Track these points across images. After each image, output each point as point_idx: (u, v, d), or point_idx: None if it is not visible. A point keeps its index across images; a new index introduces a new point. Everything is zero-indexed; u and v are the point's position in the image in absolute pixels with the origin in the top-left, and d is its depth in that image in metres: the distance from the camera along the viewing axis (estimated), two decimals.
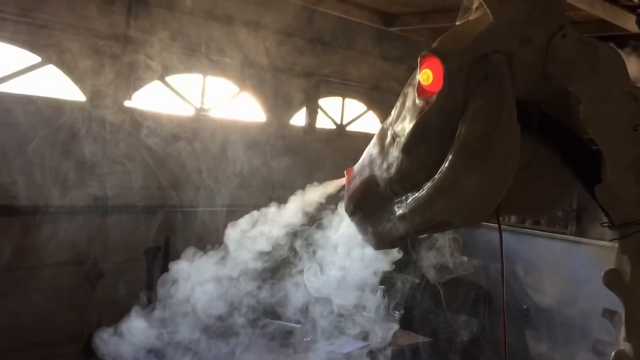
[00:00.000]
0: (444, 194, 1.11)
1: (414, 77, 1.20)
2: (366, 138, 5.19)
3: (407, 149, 1.16)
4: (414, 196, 1.20)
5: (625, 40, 5.11)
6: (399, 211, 1.25)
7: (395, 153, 1.21)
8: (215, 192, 4.69)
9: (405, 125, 1.17)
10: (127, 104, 4.23)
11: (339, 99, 5.77)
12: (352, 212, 1.39)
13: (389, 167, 1.23)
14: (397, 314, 3.78)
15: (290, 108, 5.36)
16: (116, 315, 4.03)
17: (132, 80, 4.22)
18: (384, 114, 6.04)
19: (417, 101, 1.14)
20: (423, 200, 1.16)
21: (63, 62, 3.94)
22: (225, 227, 4.64)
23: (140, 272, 4.15)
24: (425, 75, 1.11)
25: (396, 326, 3.79)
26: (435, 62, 1.10)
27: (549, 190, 1.16)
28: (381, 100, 6.01)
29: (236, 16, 4.68)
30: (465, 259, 4.51)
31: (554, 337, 4.11)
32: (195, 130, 4.65)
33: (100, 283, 4.06)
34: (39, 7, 3.75)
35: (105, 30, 4.06)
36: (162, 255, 4.19)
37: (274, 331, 3.66)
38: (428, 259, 4.21)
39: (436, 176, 1.12)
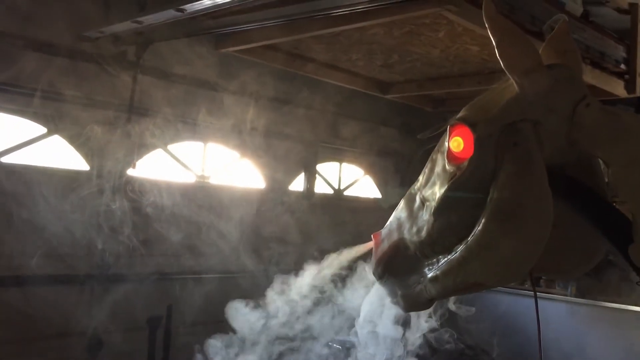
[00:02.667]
0: (478, 256, 1.15)
1: (442, 144, 1.25)
2: (364, 202, 5.28)
3: (438, 212, 1.20)
4: (446, 258, 1.23)
5: (614, 104, 5.29)
6: (430, 273, 1.28)
7: (425, 217, 1.25)
8: (218, 259, 4.68)
9: (436, 190, 1.22)
10: (130, 172, 4.28)
11: (337, 164, 5.86)
12: (381, 275, 1.42)
13: (419, 230, 1.27)
14: None
15: (289, 173, 5.44)
16: None
17: (135, 149, 4.28)
18: (380, 178, 6.13)
19: (448, 167, 1.19)
20: (456, 262, 1.19)
21: (68, 132, 4.01)
22: (227, 294, 4.63)
23: (142, 341, 4.08)
24: (456, 143, 1.16)
25: None
26: (465, 130, 1.16)
27: (577, 251, 1.20)
28: (378, 164, 6.12)
29: (236, 88, 4.81)
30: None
31: None
32: (196, 197, 4.69)
33: (101, 354, 3.98)
34: (46, 79, 3.85)
35: (111, 100, 4.15)
36: (164, 324, 4.13)
37: None
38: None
39: (469, 239, 1.16)
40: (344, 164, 5.91)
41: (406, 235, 1.32)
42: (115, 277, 4.07)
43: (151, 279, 4.20)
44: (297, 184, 5.51)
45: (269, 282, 4.99)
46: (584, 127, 1.13)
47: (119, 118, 4.18)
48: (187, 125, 4.58)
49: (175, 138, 4.57)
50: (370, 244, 1.48)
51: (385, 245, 1.39)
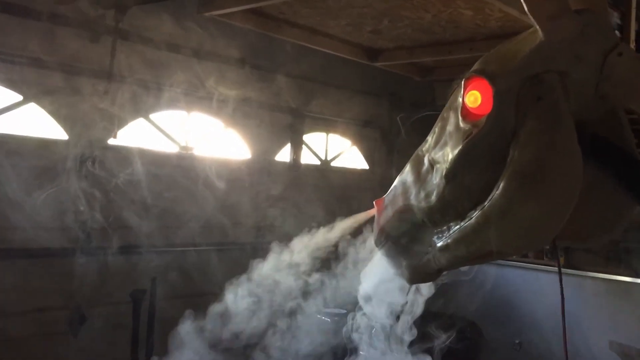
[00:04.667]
0: (496, 223, 1.05)
1: (455, 100, 1.14)
2: (351, 173, 5.18)
3: (451, 175, 1.09)
4: (458, 225, 1.13)
5: None
6: (440, 242, 1.18)
7: (435, 180, 1.15)
8: (203, 231, 4.58)
9: (447, 151, 1.11)
10: (111, 142, 4.14)
11: (323, 134, 5.74)
12: (384, 245, 1.32)
13: (427, 195, 1.17)
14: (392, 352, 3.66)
15: (275, 144, 5.31)
16: None
17: (116, 118, 4.13)
18: (367, 150, 6.03)
19: (462, 125, 1.08)
20: (471, 230, 1.09)
21: (45, 99, 3.85)
22: (213, 266, 4.54)
23: (126, 315, 3.98)
24: (473, 98, 1.05)
25: None
26: (483, 83, 1.05)
27: (600, 217, 1.10)
28: (365, 135, 6.02)
29: (222, 53, 4.66)
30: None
31: None
32: (179, 168, 4.56)
33: (83, 328, 3.88)
34: (22, 45, 3.67)
35: (89, 67, 3.98)
36: (148, 298, 4.03)
37: None
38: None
39: (486, 203, 1.06)
40: (331, 135, 5.79)
41: (413, 201, 1.22)
42: (97, 250, 3.95)
43: (134, 251, 4.09)
44: (283, 155, 5.39)
45: (256, 254, 4.91)
46: (615, 79, 1.03)
47: (99, 85, 4.02)
48: (170, 93, 4.43)
49: (157, 107, 4.42)
50: (372, 211, 1.38)
51: (389, 212, 1.29)
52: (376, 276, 1.56)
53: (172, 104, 4.51)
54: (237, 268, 4.84)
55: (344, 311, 3.96)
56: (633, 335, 2.98)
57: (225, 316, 4.69)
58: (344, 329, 3.89)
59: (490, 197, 1.05)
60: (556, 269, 5.17)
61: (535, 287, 5.20)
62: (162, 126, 4.56)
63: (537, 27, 1.00)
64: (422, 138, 5.00)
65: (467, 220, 1.11)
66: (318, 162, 5.70)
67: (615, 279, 3.75)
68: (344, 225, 2.37)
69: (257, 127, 5.09)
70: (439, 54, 4.57)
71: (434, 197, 1.15)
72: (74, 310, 3.84)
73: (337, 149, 5.89)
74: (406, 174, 1.27)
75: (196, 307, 4.50)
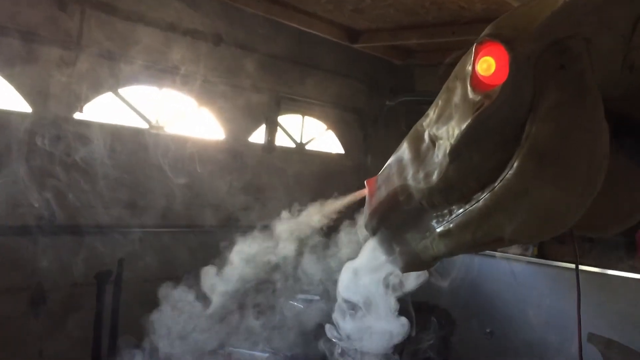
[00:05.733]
0: (508, 206, 0.93)
1: (463, 68, 1.02)
2: (326, 157, 5.06)
3: (456, 152, 0.97)
4: (462, 209, 1.01)
5: None
6: (439, 227, 1.07)
7: (437, 158, 1.03)
8: (171, 212, 4.43)
9: (453, 125, 0.99)
10: (77, 116, 3.94)
11: (299, 117, 5.60)
12: (376, 229, 1.20)
13: (427, 175, 1.05)
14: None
15: (249, 125, 5.16)
16: (61, 345, 3.70)
17: (83, 91, 3.93)
18: (344, 134, 5.91)
19: (472, 95, 0.96)
20: (478, 213, 0.98)
21: (7, 70, 3.63)
22: (183, 248, 4.40)
23: (90, 297, 3.82)
24: (486, 65, 0.93)
25: (365, 354, 3.59)
26: (499, 48, 0.92)
27: (618, 203, 0.99)
28: (341, 119, 5.89)
29: (196, 29, 4.48)
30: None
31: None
32: (149, 146, 4.38)
33: (44, 310, 3.71)
34: None
35: (56, 37, 3.77)
36: (114, 280, 3.88)
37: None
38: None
39: (497, 184, 0.94)
40: (307, 118, 5.65)
41: (410, 181, 1.09)
42: (62, 229, 3.77)
43: (100, 232, 3.92)
44: (258, 137, 5.24)
45: (228, 237, 4.78)
46: None
47: (65, 56, 3.81)
48: (141, 68, 4.24)
49: (127, 81, 4.22)
50: (362, 192, 1.26)
51: (382, 194, 1.16)
52: (362, 265, 1.44)
53: (143, 79, 4.32)
54: (208, 251, 4.71)
55: (317, 297, 3.86)
56: (612, 328, 2.94)
57: (193, 301, 4.56)
58: (318, 315, 3.80)
59: (501, 178, 0.93)
60: (529, 259, 5.18)
61: (506, 276, 5.17)
62: (132, 102, 4.37)
63: None
64: (401, 122, 4.91)
65: (473, 203, 0.99)
66: (293, 145, 5.56)
67: (593, 271, 3.71)
68: (330, 207, 2.23)
69: (231, 106, 4.92)
70: (421, 37, 4.47)
71: (435, 177, 1.03)
72: (35, 291, 3.66)
73: (312, 132, 5.75)
74: (402, 151, 1.14)
75: (163, 291, 4.36)
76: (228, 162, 4.92)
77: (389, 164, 1.18)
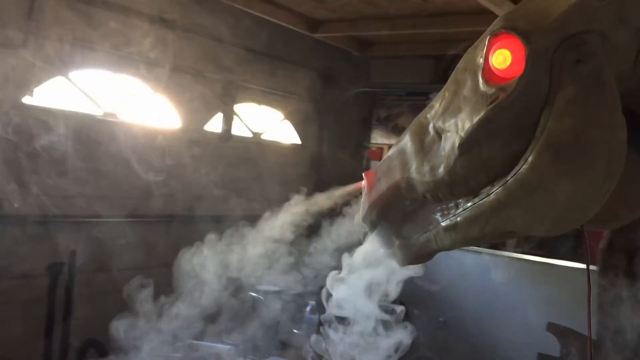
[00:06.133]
0: (522, 200, 0.93)
1: (473, 60, 1.01)
2: (283, 148, 5.03)
3: (466, 145, 0.96)
4: (471, 202, 1.00)
5: None
6: (445, 220, 1.06)
7: (444, 151, 1.01)
8: (126, 202, 4.31)
9: (463, 118, 0.98)
10: (26, 100, 3.78)
11: (256, 106, 5.53)
12: (375, 222, 1.18)
13: (433, 168, 1.04)
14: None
15: (205, 113, 5.06)
16: (10, 342, 3.55)
17: (33, 75, 3.77)
18: (300, 124, 5.88)
19: (484, 88, 0.95)
20: (489, 207, 0.97)
21: None
22: (138, 239, 4.29)
23: (41, 289, 3.68)
24: (502, 57, 0.92)
25: (329, 344, 3.59)
26: (515, 41, 0.92)
27: (624, 198, 1.01)
28: (298, 109, 5.86)
29: (153, 13, 4.35)
30: None
31: (477, 348, 4.10)
32: (102, 134, 4.24)
33: None
34: None
35: (5, 14, 3.59)
36: (66, 272, 3.74)
37: (201, 355, 3.35)
38: None
39: (509, 178, 0.94)
40: (264, 107, 5.59)
41: (413, 174, 1.08)
42: (9, 220, 3.61)
43: (52, 221, 3.77)
44: (214, 125, 5.15)
45: (184, 228, 4.70)
46: None
47: (14, 37, 3.63)
48: (95, 52, 4.08)
49: (81, 65, 4.07)
50: (359, 185, 1.23)
51: (382, 187, 1.14)
52: (360, 259, 1.42)
53: (97, 63, 4.17)
54: (164, 242, 4.62)
55: (278, 288, 3.83)
56: (569, 317, 3.04)
57: (147, 293, 4.46)
58: (279, 307, 3.79)
59: (515, 172, 0.93)
60: (482, 250, 5.29)
61: (459, 267, 5.28)
62: (85, 87, 4.21)
63: None
64: (357, 114, 4.92)
65: (483, 196, 0.98)
66: (250, 135, 5.50)
67: (546, 262, 3.83)
68: (325, 199, 2.20)
69: (187, 94, 4.81)
70: (382, 28, 4.49)
71: (441, 170, 1.02)
72: None
73: (269, 122, 5.70)
74: (404, 143, 1.13)
75: (118, 283, 4.24)
76: (184, 150, 4.82)
77: (389, 157, 1.17)
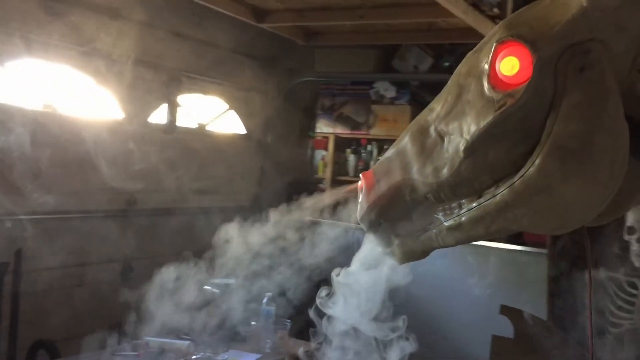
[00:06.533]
0: (528, 201, 0.97)
1: (476, 65, 1.05)
2: (228, 138, 5.00)
3: (472, 148, 1.00)
4: (477, 203, 1.04)
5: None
6: (448, 220, 1.09)
7: (447, 153, 1.05)
8: (69, 197, 4.17)
9: (468, 122, 1.02)
10: None
11: (201, 96, 5.44)
12: (374, 222, 1.20)
13: (436, 169, 1.07)
14: (287, 322, 3.62)
15: (149, 104, 4.94)
16: None
17: None
18: (246, 114, 5.84)
19: (491, 94, 0.99)
20: (495, 207, 1.01)
21: None
22: (84, 235, 4.17)
23: None
24: (511, 65, 0.96)
25: (286, 335, 3.63)
26: (522, 49, 0.96)
27: (620, 195, 1.07)
28: (243, 99, 5.81)
29: (93, 2, 4.20)
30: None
31: (431, 333, 4.22)
32: (42, 127, 4.07)
33: None
34: None
35: None
36: (12, 271, 3.60)
37: (156, 350, 3.31)
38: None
39: (517, 180, 0.98)
40: (209, 97, 5.51)
41: (415, 175, 1.11)
42: None
43: None
44: (158, 117, 5.04)
45: (131, 223, 4.60)
46: None
47: None
48: (31, 41, 3.91)
49: (17, 54, 3.88)
50: (355, 186, 1.25)
51: (382, 187, 1.17)
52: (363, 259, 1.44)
53: (35, 53, 3.99)
54: (109, 237, 4.50)
55: (232, 281, 3.82)
56: (521, 300, 3.19)
57: (94, 291, 4.36)
58: (235, 299, 3.77)
59: (522, 174, 0.98)
60: None
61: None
62: (22, 78, 4.02)
63: None
64: (302, 103, 4.94)
65: (488, 197, 1.03)
66: (195, 125, 5.41)
67: (497, 247, 3.97)
68: (321, 200, 2.20)
69: (131, 85, 4.68)
70: (329, 19, 4.50)
71: (445, 172, 1.05)
72: None
73: (214, 113, 5.63)
74: (404, 145, 1.15)
75: (64, 281, 4.14)
76: (127, 143, 4.69)
77: (388, 158, 1.19)
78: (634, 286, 2.72)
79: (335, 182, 6.13)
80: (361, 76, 5.87)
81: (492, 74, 1.00)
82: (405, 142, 1.16)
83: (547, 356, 2.74)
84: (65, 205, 4.14)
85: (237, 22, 4.93)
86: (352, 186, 1.40)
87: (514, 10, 4.49)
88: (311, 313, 1.89)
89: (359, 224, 1.26)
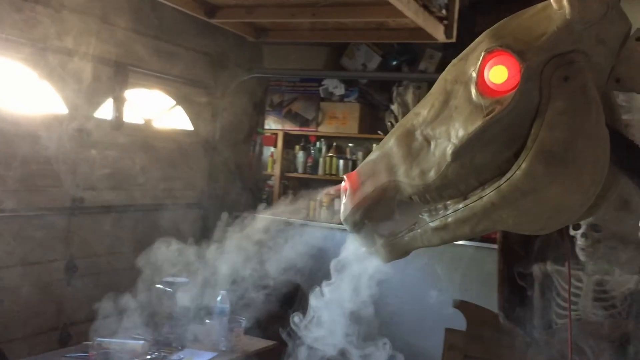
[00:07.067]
0: (514, 203, 1.03)
1: (463, 72, 1.09)
2: (175, 134, 4.93)
3: (460, 153, 1.05)
4: (463, 204, 1.09)
5: (424, 48, 5.57)
6: (434, 221, 1.14)
7: (434, 157, 1.09)
8: (9, 195, 4.02)
9: (456, 127, 1.06)
10: None
11: (148, 91, 5.34)
12: (358, 223, 1.23)
13: (423, 172, 1.11)
14: (242, 320, 3.62)
15: (95, 99, 4.81)
16: None
17: None
18: (192, 110, 5.76)
19: (479, 100, 1.04)
20: (481, 209, 1.06)
21: None
22: (23, 234, 4.03)
23: None
24: (499, 73, 1.01)
25: (242, 332, 3.63)
26: (510, 58, 1.01)
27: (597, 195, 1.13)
28: (190, 95, 5.73)
29: None
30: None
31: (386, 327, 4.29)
32: None
33: None
34: None
35: None
36: None
37: (108, 351, 3.24)
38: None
39: (503, 183, 1.03)
40: (156, 92, 5.41)
41: (401, 177, 1.15)
42: None
43: None
44: (104, 112, 4.91)
45: (77, 221, 4.48)
46: (633, 63, 1.06)
47: None
48: None
49: None
50: (338, 187, 1.28)
51: (367, 189, 1.20)
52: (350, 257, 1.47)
53: None
54: (55, 236, 4.38)
55: (185, 279, 3.78)
56: (473, 294, 3.30)
57: (38, 291, 4.23)
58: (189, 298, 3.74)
59: (508, 177, 1.03)
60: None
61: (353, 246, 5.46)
62: None
63: (567, 4, 0.99)
64: (250, 99, 4.92)
65: (475, 199, 1.07)
66: (141, 121, 5.30)
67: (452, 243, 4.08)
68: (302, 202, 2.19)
69: (75, 79, 4.54)
70: (281, 16, 4.50)
71: (432, 174, 1.10)
72: None
73: (161, 108, 5.53)
74: (390, 147, 1.19)
75: (6, 281, 4.01)
76: (72, 139, 4.55)
77: (372, 160, 1.22)
78: (579, 279, 2.86)
79: (284, 179, 6.14)
80: (310, 73, 5.90)
81: (480, 82, 1.04)
82: (391, 144, 1.19)
83: (498, 347, 2.85)
84: (6, 203, 3.99)
85: (186, 17, 4.87)
86: (335, 187, 1.42)
87: (460, 13, 4.62)
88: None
89: (341, 224, 1.29)
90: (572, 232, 2.82)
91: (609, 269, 2.89)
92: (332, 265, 1.62)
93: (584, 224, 2.79)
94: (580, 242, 2.82)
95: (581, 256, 2.85)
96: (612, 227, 2.84)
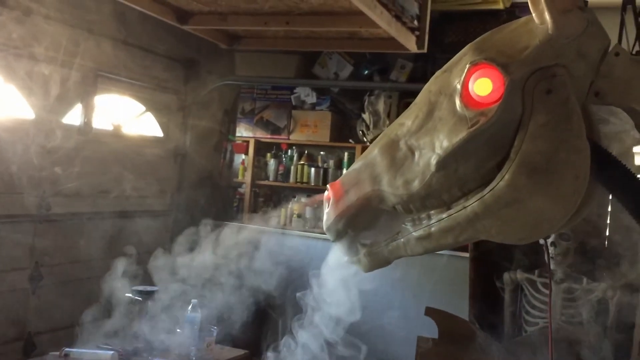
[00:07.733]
0: (497, 213, 1.05)
1: (447, 84, 1.11)
2: (145, 141, 4.89)
3: (444, 164, 1.06)
4: (445, 214, 1.11)
5: (395, 58, 5.63)
6: (418, 230, 1.15)
7: (418, 167, 1.11)
8: None
9: (440, 138, 1.08)
10: None
11: (118, 97, 5.27)
12: (341, 232, 1.24)
13: (407, 182, 1.12)
14: (213, 329, 3.58)
15: (63, 104, 4.72)
16: None
17: None
18: (162, 117, 5.71)
19: (464, 112, 1.05)
20: (464, 219, 1.08)
21: None
22: None
23: None
24: (484, 85, 1.03)
25: (213, 342, 3.60)
26: (494, 71, 1.03)
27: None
28: (160, 101, 5.67)
29: None
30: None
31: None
32: None
33: None
34: None
35: None
36: None
37: None
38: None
39: (486, 193, 1.05)
40: (125, 99, 5.34)
41: (385, 187, 1.16)
42: None
43: None
44: (73, 117, 4.83)
45: (43, 229, 4.40)
46: (612, 78, 1.09)
47: None
48: None
49: None
50: (321, 196, 1.28)
51: (351, 198, 1.21)
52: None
53: None
54: (19, 244, 4.28)
55: (156, 288, 3.74)
56: (444, 301, 3.33)
57: (1, 300, 4.14)
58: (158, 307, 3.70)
59: (491, 187, 1.05)
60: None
61: (324, 254, 5.46)
62: None
63: (549, 19, 1.01)
64: (221, 107, 4.90)
65: (458, 208, 1.09)
66: (111, 127, 5.23)
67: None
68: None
69: (42, 84, 4.46)
70: (254, 24, 4.50)
71: (416, 184, 1.11)
72: None
73: (131, 114, 5.46)
74: (373, 157, 1.20)
75: None
76: (38, 144, 4.46)
77: (356, 169, 1.23)
78: (547, 287, 2.92)
79: (255, 187, 6.11)
80: (282, 81, 5.91)
81: (465, 94, 1.06)
82: (375, 154, 1.20)
83: (470, 355, 2.88)
84: None
85: (158, 23, 4.83)
86: (317, 196, 1.43)
87: (431, 23, 4.69)
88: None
89: (316, 232, 1.29)
90: (541, 241, 2.87)
91: (577, 277, 2.95)
92: (310, 274, 1.63)
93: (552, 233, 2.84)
94: (549, 250, 2.88)
95: (551, 264, 2.90)
96: (581, 236, 2.91)
